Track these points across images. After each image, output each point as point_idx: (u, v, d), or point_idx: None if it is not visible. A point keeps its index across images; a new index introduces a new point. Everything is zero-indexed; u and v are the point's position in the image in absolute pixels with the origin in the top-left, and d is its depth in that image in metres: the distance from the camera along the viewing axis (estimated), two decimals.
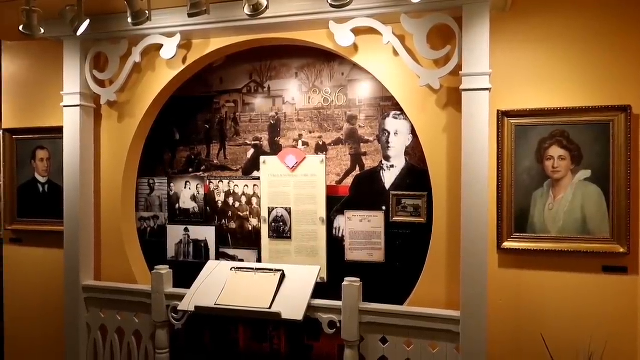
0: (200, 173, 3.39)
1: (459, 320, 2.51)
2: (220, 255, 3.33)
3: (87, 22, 2.62)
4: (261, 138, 3.23)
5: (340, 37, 2.75)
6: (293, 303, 2.72)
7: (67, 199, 3.19)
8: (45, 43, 3.42)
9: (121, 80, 3.17)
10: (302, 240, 3.09)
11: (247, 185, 3.28)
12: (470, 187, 2.49)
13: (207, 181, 3.37)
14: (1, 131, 3.60)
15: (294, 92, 3.14)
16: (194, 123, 3.35)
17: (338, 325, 2.70)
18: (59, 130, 3.38)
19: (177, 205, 3.41)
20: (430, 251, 2.77)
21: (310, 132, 3.13)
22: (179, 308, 2.85)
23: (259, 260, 3.22)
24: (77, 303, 3.18)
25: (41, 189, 3.56)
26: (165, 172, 3.42)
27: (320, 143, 3.11)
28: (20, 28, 2.63)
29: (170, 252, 3.40)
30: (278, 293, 2.80)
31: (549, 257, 2.59)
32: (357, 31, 2.77)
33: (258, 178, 3.23)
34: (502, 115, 2.64)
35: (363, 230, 3.03)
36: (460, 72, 2.52)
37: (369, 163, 3.06)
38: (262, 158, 3.17)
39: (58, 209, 3.39)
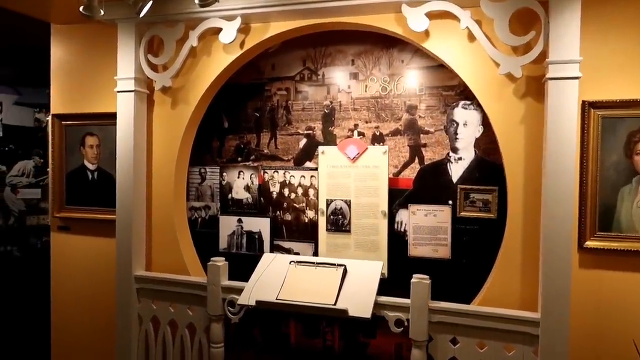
0: (250, 162, 3.29)
1: (539, 323, 2.36)
2: (274, 248, 3.23)
3: (150, 2, 2.50)
4: (314, 127, 3.11)
5: (414, 21, 2.61)
6: (358, 300, 2.60)
7: (120, 188, 3.11)
8: (95, 26, 3.34)
9: (177, 65, 3.07)
10: (362, 234, 2.96)
11: (303, 176, 3.16)
12: (554, 182, 2.34)
13: (262, 171, 3.26)
14: (50, 116, 3.51)
15: (350, 80, 3.01)
16: (244, 111, 3.24)
17: (406, 324, 2.57)
18: (108, 116, 3.30)
19: (230, 196, 3.31)
20: (503, 249, 2.63)
21: (367, 122, 3.00)
22: (238, 302, 2.75)
23: (315, 253, 3.11)
24: (129, 294, 3.11)
25: (90, 177, 3.48)
26: (213, 161, 3.31)
27: (377, 133, 2.98)
28: (81, 9, 2.52)
29: (223, 243, 3.31)
30: (342, 289, 2.69)
31: (637, 258, 2.43)
32: (429, 15, 2.61)
33: (315, 169, 3.11)
34: (588, 106, 2.48)
35: (428, 225, 2.91)
36: (547, 59, 2.35)
37: (429, 155, 2.94)
38: (320, 148, 3.04)
39: (107, 197, 3.33)
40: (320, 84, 3.08)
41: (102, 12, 2.57)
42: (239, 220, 3.29)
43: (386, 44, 2.97)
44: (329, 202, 3.02)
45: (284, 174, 3.22)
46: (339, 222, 3.02)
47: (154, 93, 3.24)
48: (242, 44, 3.03)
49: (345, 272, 2.76)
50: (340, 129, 3.05)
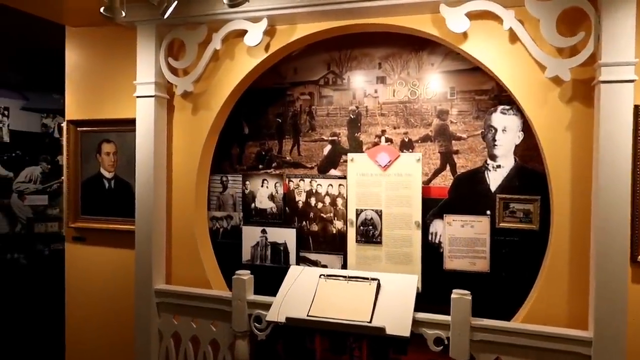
0: (272, 170, 3.17)
1: (591, 342, 2.21)
2: (300, 260, 3.09)
3: (176, 2, 2.36)
4: (339, 133, 2.99)
5: (453, 22, 2.47)
6: (395, 316, 2.45)
7: (140, 197, 2.98)
8: (111, 29, 3.21)
9: (199, 69, 2.93)
10: (395, 246, 2.82)
11: (331, 185, 3.03)
12: (607, 192, 2.19)
13: (287, 179, 3.11)
14: (65, 122, 3.38)
15: (377, 84, 2.91)
16: (265, 116, 3.14)
17: (445, 342, 2.41)
18: (126, 122, 3.17)
19: (253, 205, 3.18)
20: (548, 262, 2.48)
21: (395, 128, 2.89)
22: (267, 318, 2.60)
23: (344, 266, 2.97)
24: (149, 308, 2.96)
25: (107, 185, 3.35)
26: (232, 169, 3.21)
27: (406, 140, 2.87)
28: (101, 10, 2.38)
29: (246, 255, 3.18)
30: (376, 305, 2.54)
31: None
32: (469, 16, 2.47)
33: (344, 177, 2.97)
34: None
35: (465, 237, 2.76)
36: (598, 61, 2.21)
37: (461, 162, 2.81)
38: (349, 155, 2.89)
39: (125, 206, 3.21)
40: (346, 88, 2.97)
41: (124, 14, 2.43)
42: (263, 231, 3.16)
43: (415, 46, 2.85)
44: (358, 212, 2.87)
45: (310, 182, 3.08)
46: (370, 233, 2.87)
47: (173, 98, 3.12)
48: (267, 47, 2.90)
49: (378, 286, 2.61)
50: (366, 135, 2.94)
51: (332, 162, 3.00)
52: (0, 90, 7.26)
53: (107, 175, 3.33)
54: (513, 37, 2.46)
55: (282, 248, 3.11)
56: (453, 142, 2.78)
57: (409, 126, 2.86)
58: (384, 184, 2.83)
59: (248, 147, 3.18)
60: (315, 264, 3.06)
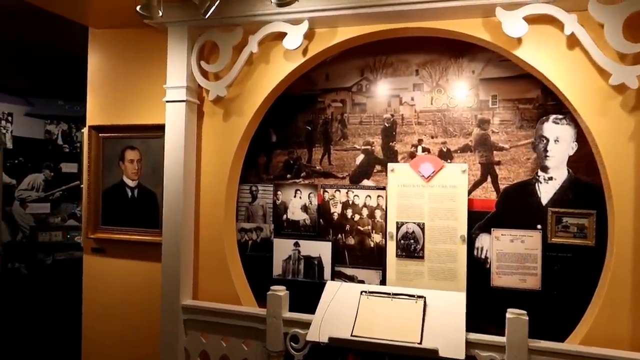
0: (301, 180, 3.02)
1: None
2: (336, 275, 2.92)
3: (218, 2, 2.23)
4: (373, 142, 2.86)
5: (510, 26, 2.35)
6: (446, 337, 2.30)
7: (168, 207, 2.82)
8: (137, 31, 3.09)
9: (233, 73, 2.80)
10: (438, 261, 2.68)
11: (369, 196, 2.87)
12: None
13: (321, 190, 2.96)
14: (86, 128, 3.22)
15: (414, 91, 2.78)
16: (294, 124, 3.01)
17: None
18: (151, 128, 3.05)
19: (285, 216, 3.02)
20: (608, 280, 2.33)
21: (433, 137, 2.76)
22: (307, 338, 2.44)
23: (383, 282, 2.82)
24: (176, 325, 2.79)
25: (130, 194, 3.18)
26: (259, 178, 3.07)
27: (444, 150, 2.74)
28: (138, 8, 2.25)
29: (277, 269, 3.01)
30: (424, 324, 2.38)
31: None
32: (527, 20, 2.35)
33: (383, 188, 2.83)
34: None
35: (514, 252, 2.61)
36: None
37: (503, 174, 2.67)
38: (389, 166, 2.76)
39: (149, 216, 3.07)
40: (380, 96, 2.87)
41: (161, 13, 2.30)
42: (296, 244, 2.99)
43: (455, 52, 2.73)
44: (399, 225, 2.74)
45: (347, 193, 2.93)
46: (411, 248, 2.72)
47: (203, 103, 2.97)
48: (304, 51, 2.76)
49: (425, 304, 2.46)
50: (402, 144, 2.82)
51: (365, 172, 2.87)
52: (4, 96, 7.08)
53: (130, 183, 3.17)
54: (572, 43, 2.34)
55: (316, 262, 2.95)
56: (494, 152, 2.65)
57: (447, 135, 2.74)
58: (427, 195, 2.70)
59: (276, 156, 3.04)
60: (351, 279, 2.89)
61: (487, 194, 2.71)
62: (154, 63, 3.00)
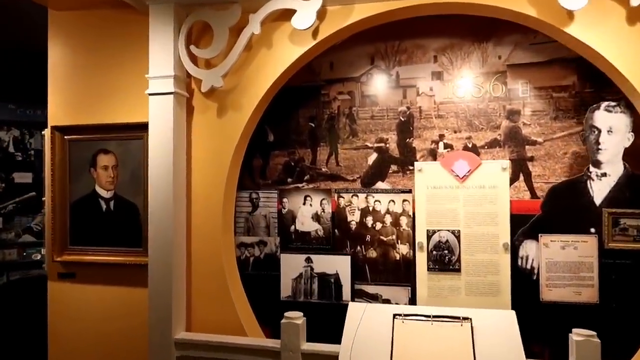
0: (303, 184, 2.65)
1: None
2: (356, 294, 2.53)
3: None
4: (387, 139, 2.56)
5: None
6: None
7: (154, 221, 2.37)
8: (109, 12, 2.59)
9: (230, 60, 2.37)
10: (477, 274, 2.36)
11: (392, 201, 2.51)
12: None
13: (335, 195, 2.56)
14: (48, 130, 2.69)
15: (433, 80, 2.50)
16: (294, 120, 2.67)
17: None
18: (129, 127, 2.59)
19: (293, 227, 2.63)
20: None
21: (456, 132, 2.47)
22: None
23: (412, 300, 2.46)
24: None
25: (104, 207, 2.68)
26: (254, 183, 2.69)
27: (470, 145, 2.45)
28: None
29: (286, 289, 2.60)
30: (475, 351, 1.99)
31: None
32: None
33: (409, 191, 2.47)
34: None
35: (567, 261, 2.29)
36: None
37: (537, 171, 2.37)
38: (416, 165, 2.45)
39: (128, 233, 2.61)
40: (394, 86, 2.56)
41: None
42: (308, 260, 2.59)
43: (478, 36, 2.44)
44: (430, 234, 2.42)
45: (366, 198, 2.55)
46: (445, 259, 2.40)
47: (193, 97, 2.52)
48: (315, 33, 2.34)
49: (472, 327, 2.07)
50: (420, 140, 2.52)
51: (379, 173, 2.55)
52: None
53: (105, 194, 2.68)
54: (632, 17, 2.00)
55: (332, 280, 2.55)
56: (526, 147, 2.38)
57: (472, 129, 2.45)
58: (461, 198, 2.39)
59: (274, 157, 2.69)
60: (374, 298, 2.51)
61: (520, 193, 2.39)
62: (132, 49, 2.55)
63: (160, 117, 2.38)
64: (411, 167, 2.48)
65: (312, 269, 2.58)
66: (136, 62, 2.54)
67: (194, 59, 2.44)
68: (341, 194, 2.59)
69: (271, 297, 2.62)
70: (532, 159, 2.37)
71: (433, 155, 2.47)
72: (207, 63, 2.47)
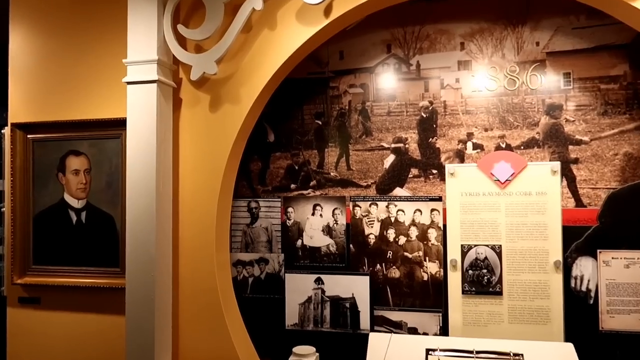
0: (309, 191, 2.36)
1: None
2: (375, 322, 2.22)
3: None
4: (406, 139, 2.29)
5: None
6: None
7: (133, 236, 2.00)
8: None
9: (226, 43, 2.03)
10: (522, 298, 2.06)
11: (419, 210, 2.20)
12: None
13: (351, 204, 2.26)
14: (7, 128, 2.29)
15: (459, 70, 2.25)
16: (298, 117, 2.42)
17: None
18: (104, 124, 2.23)
19: (300, 242, 2.33)
20: None
21: (486, 130, 2.21)
22: None
23: (444, 329, 2.15)
24: None
25: (74, 219, 2.28)
26: (251, 190, 2.41)
27: (503, 145, 2.18)
28: None
29: (292, 316, 2.29)
30: None
31: None
32: None
33: (438, 199, 2.16)
34: None
35: (632, 282, 1.99)
36: None
37: (583, 175, 2.09)
38: (448, 168, 2.17)
39: (103, 250, 2.24)
40: (414, 78, 2.31)
41: None
42: (318, 281, 2.28)
43: (512, 19, 2.19)
44: (465, 249, 2.13)
45: (387, 207, 2.25)
46: (483, 280, 2.10)
47: (181, 86, 2.17)
48: (327, 10, 1.97)
49: None
50: (445, 140, 2.26)
51: (397, 177, 2.28)
52: None
53: (75, 204, 2.29)
54: None
55: (347, 305, 2.23)
56: (570, 147, 2.12)
57: (506, 127, 2.19)
58: (503, 207, 2.11)
59: (274, 160, 2.43)
60: (398, 326, 2.19)
61: (564, 201, 2.08)
62: (108, 31, 2.21)
63: (140, 111, 2.00)
64: (434, 171, 2.22)
65: (323, 291, 2.28)
66: (113, 46, 2.18)
67: (182, 41, 2.08)
68: (357, 203, 2.28)
69: (274, 325, 2.33)
70: (576, 161, 2.10)
71: (460, 157, 2.20)
72: (198, 47, 2.11)
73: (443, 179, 2.18)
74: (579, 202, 2.05)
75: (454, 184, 2.13)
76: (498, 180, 2.08)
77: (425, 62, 2.27)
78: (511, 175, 2.06)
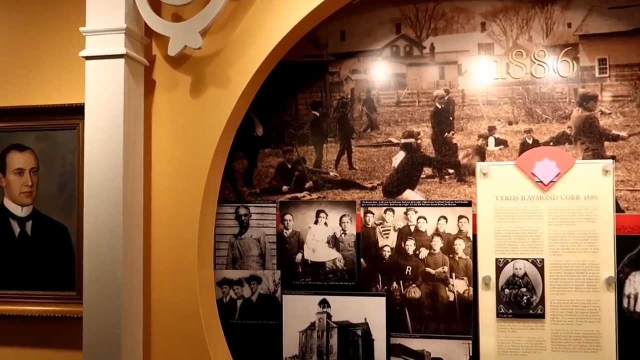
0: (304, 194, 2.12)
1: None
2: (393, 352, 1.97)
3: None
4: (418, 134, 2.11)
5: None
6: None
7: (92, 252, 1.69)
8: None
9: (214, 10, 1.74)
10: (568, 321, 1.83)
11: (444, 217, 1.97)
12: None
13: (362, 209, 2.02)
14: None
15: (480, 54, 2.11)
16: (292, 108, 2.22)
17: None
18: (56, 112, 1.97)
19: (301, 256, 2.06)
20: None
21: (511, 124, 2.05)
22: None
23: (474, 359, 1.88)
24: None
25: (17, 230, 1.97)
26: (235, 193, 2.16)
27: (530, 141, 2.02)
28: None
29: (291, 346, 2.01)
30: None
31: None
32: None
33: (467, 203, 1.96)
34: None
35: None
36: None
37: (621, 175, 1.92)
38: (479, 166, 1.96)
39: (55, 269, 1.97)
40: (428, 63, 2.14)
41: None
42: (323, 303, 2.00)
43: None
44: (500, 264, 1.90)
45: (406, 213, 1.99)
46: (522, 300, 1.86)
47: (155, 65, 1.85)
48: None
49: None
50: (464, 135, 2.08)
51: (408, 178, 2.07)
52: None
53: (19, 211, 1.98)
54: None
55: (359, 332, 1.94)
56: (605, 144, 1.96)
57: (533, 120, 2.03)
58: (546, 213, 1.88)
59: (263, 158, 2.20)
60: (419, 357, 1.93)
61: None
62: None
63: (102, 94, 1.66)
64: (450, 171, 2.04)
65: (329, 316, 2.01)
66: (71, 14, 1.87)
67: (157, 5, 1.78)
68: (369, 208, 2.03)
69: (268, 358, 2.06)
70: (614, 158, 1.95)
71: (481, 154, 2.02)
72: (177, 15, 1.81)
73: (461, 180, 1.98)
74: (616, 207, 1.85)
75: (487, 186, 1.90)
76: (541, 181, 1.85)
77: (440, 44, 2.11)
78: (556, 175, 1.83)
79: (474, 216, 1.93)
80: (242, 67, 1.81)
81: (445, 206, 1.97)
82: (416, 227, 1.97)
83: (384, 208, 2.02)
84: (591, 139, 1.94)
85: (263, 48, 1.80)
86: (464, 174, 1.98)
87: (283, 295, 2.06)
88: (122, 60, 1.63)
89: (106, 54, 1.64)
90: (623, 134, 1.92)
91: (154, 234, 1.85)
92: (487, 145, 2.01)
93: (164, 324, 1.84)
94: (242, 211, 2.07)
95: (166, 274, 1.84)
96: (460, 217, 1.93)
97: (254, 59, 1.81)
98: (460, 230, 1.94)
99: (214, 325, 1.91)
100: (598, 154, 1.91)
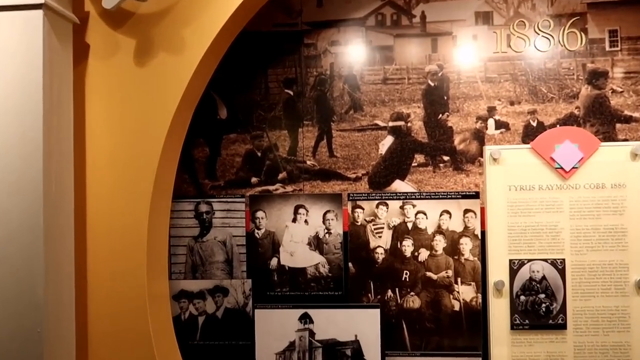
0: (277, 186, 1.94)
1: None
2: None
3: None
4: (409, 115, 1.99)
5: None
6: None
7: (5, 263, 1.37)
8: None
9: None
10: (593, 331, 1.70)
11: (447, 212, 1.83)
12: None
13: (349, 204, 1.89)
14: None
15: (477, 25, 2.03)
16: (261, 86, 2.07)
17: None
18: None
19: (276, 262, 1.86)
20: None
21: (513, 104, 1.94)
22: None
23: None
24: None
25: None
26: (195, 186, 2.00)
27: (534, 123, 1.92)
28: None
29: None
30: None
31: None
32: None
33: (474, 195, 1.81)
34: None
35: None
36: None
37: None
38: (487, 150, 1.79)
39: None
40: (419, 34, 2.04)
41: None
42: (304, 318, 1.79)
43: None
44: (515, 266, 1.74)
45: (402, 208, 1.84)
46: (541, 308, 1.71)
47: (88, 24, 1.59)
48: None
49: None
50: (460, 116, 1.96)
51: (397, 167, 1.95)
52: None
53: None
54: None
55: (348, 352, 1.76)
56: (617, 126, 1.87)
57: (537, 100, 1.92)
58: (567, 205, 1.72)
59: (228, 145, 2.05)
60: None
61: None
62: None
63: (13, 58, 1.34)
64: (445, 158, 1.93)
65: (311, 333, 1.81)
66: None
67: None
68: (359, 202, 1.87)
69: None
70: (625, 142, 1.87)
71: (479, 138, 1.91)
72: None
73: (458, 168, 1.86)
74: None
75: (498, 173, 1.72)
76: (561, 167, 1.70)
77: (432, 13, 2.00)
78: (579, 160, 1.65)
79: (482, 210, 1.78)
80: (199, 28, 1.58)
81: (449, 198, 1.84)
82: (414, 224, 1.83)
83: (376, 202, 1.87)
84: (602, 120, 1.85)
85: (225, 6, 1.53)
86: (461, 161, 1.85)
87: (255, 310, 1.87)
88: (39, 12, 1.32)
89: (16, 3, 1.31)
90: (636, 114, 1.84)
91: (91, 238, 1.60)
92: (486, 128, 1.89)
93: (105, 350, 1.58)
94: (204, 208, 1.89)
95: (106, 288, 1.60)
96: (466, 211, 1.78)
97: (214, 19, 1.59)
98: (466, 227, 1.81)
99: (169, 348, 1.67)
100: (609, 137, 1.81)
